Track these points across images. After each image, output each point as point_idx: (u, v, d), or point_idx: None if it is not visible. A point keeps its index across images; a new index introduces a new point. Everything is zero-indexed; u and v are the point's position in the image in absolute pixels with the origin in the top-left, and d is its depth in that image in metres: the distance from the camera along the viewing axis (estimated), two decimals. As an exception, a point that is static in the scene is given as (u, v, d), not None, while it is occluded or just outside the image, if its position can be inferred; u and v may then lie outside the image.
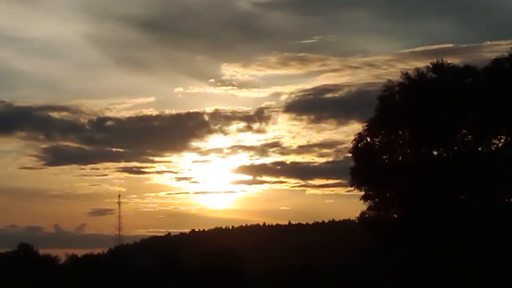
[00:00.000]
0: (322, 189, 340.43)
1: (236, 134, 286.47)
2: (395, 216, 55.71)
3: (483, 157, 52.47)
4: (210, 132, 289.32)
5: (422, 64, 55.22)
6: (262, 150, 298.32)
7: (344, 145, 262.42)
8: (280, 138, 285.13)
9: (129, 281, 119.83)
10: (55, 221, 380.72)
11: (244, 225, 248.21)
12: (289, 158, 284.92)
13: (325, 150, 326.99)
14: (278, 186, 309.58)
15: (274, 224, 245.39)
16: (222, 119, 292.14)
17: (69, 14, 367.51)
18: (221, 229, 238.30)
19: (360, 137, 55.48)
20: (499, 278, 51.69)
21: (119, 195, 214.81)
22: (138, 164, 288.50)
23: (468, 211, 51.81)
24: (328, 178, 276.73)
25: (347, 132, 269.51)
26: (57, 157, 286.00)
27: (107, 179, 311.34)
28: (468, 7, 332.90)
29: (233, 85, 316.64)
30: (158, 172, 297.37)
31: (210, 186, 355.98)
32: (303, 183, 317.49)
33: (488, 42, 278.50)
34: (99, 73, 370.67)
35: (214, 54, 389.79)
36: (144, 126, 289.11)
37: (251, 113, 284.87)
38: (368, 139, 55.36)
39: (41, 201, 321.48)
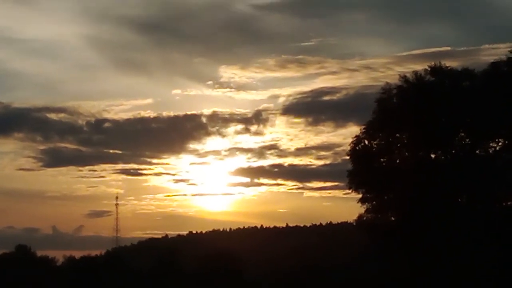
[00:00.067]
0: (319, 191, 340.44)
1: (234, 136, 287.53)
2: (393, 218, 55.74)
3: (481, 160, 52.53)
4: (208, 134, 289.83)
5: (420, 67, 55.31)
6: (260, 152, 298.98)
7: (342, 148, 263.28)
8: (278, 140, 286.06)
9: (126, 283, 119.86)
10: (53, 222, 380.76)
11: (241, 227, 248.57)
12: (287, 161, 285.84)
13: (322, 153, 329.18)
14: (275, 188, 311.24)
15: (271, 226, 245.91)
16: (220, 121, 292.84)
17: (67, 15, 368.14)
18: (218, 231, 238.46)
19: (358, 139, 55.50)
20: (498, 280, 51.73)
21: (117, 197, 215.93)
22: (135, 166, 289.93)
23: (466, 214, 51.87)
24: (325, 181, 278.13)
25: (345, 135, 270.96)
26: (55, 159, 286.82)
27: (104, 180, 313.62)
28: (467, 11, 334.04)
29: (231, 87, 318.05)
30: (156, 174, 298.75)
31: (207, 188, 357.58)
32: (300, 185, 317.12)
33: (486, 46, 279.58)
34: (97, 75, 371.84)
35: (212, 56, 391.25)
36: (142, 128, 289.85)
37: (249, 115, 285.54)
38: (366, 142, 55.38)
39: (38, 202, 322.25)
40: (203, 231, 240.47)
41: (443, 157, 54.07)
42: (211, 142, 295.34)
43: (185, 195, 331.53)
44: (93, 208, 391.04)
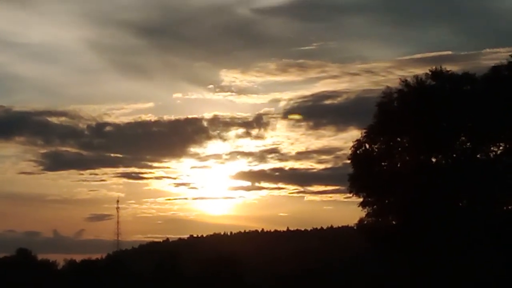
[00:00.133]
0: (320, 195, 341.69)
1: (235, 140, 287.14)
2: (394, 222, 55.77)
3: (482, 164, 52.56)
4: (209, 138, 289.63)
5: (421, 71, 55.35)
6: (261, 156, 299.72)
7: (342, 152, 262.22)
8: (278, 144, 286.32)
9: (127, 287, 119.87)
10: (54, 226, 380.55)
11: (242, 231, 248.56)
12: (288, 164, 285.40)
13: (323, 157, 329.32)
14: (276, 192, 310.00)
15: (272, 230, 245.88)
16: (221, 125, 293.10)
17: (68, 19, 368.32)
18: (219, 235, 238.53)
19: (358, 143, 55.54)
20: (499, 285, 51.74)
21: (118, 201, 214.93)
22: (136, 170, 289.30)
23: (467, 218, 51.89)
24: (326, 185, 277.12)
25: (346, 139, 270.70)
26: (55, 162, 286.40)
27: (105, 184, 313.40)
28: (467, 15, 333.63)
29: (232, 91, 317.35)
30: (157, 178, 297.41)
31: (208, 192, 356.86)
32: (301, 189, 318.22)
33: (487, 50, 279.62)
34: (98, 79, 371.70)
35: (213, 60, 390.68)
36: (142, 131, 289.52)
37: (250, 119, 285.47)
38: (367, 146, 55.42)
39: (39, 206, 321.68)
40: (204, 235, 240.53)
41: (444, 161, 54.10)
42: (212, 146, 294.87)
43: (186, 198, 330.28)
44: (94, 212, 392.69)
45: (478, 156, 53.34)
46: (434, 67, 54.37)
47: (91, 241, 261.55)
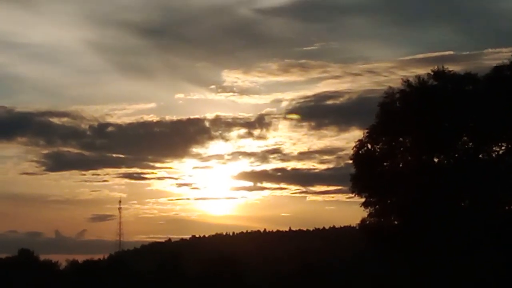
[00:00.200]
0: (322, 195, 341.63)
1: (237, 140, 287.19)
2: (396, 222, 55.76)
3: (484, 164, 52.56)
4: (211, 138, 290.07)
5: (423, 71, 55.43)
6: (263, 156, 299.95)
7: (344, 152, 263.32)
8: (281, 144, 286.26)
9: (129, 287, 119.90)
10: (56, 226, 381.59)
11: (244, 231, 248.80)
12: (290, 165, 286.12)
13: (325, 157, 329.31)
14: (278, 192, 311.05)
15: (274, 230, 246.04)
16: (223, 125, 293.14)
17: (70, 20, 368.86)
18: (221, 235, 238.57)
19: (360, 144, 55.56)
20: (499, 285, 51.74)
21: (120, 201, 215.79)
22: (138, 170, 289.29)
23: (469, 218, 51.88)
24: (328, 185, 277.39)
25: (348, 139, 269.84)
26: (57, 163, 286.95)
27: (107, 185, 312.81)
28: (469, 15, 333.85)
29: (234, 92, 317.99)
30: (159, 178, 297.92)
31: (210, 192, 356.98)
32: (303, 189, 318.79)
33: (489, 50, 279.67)
34: (100, 79, 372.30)
35: (215, 61, 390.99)
36: (144, 132, 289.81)
37: (252, 120, 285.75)
38: (369, 146, 55.44)
39: (41, 206, 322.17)
40: (206, 235, 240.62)
41: (446, 161, 54.10)
42: (214, 146, 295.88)
43: (188, 199, 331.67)
44: (96, 212, 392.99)
45: (480, 156, 53.34)
46: (436, 67, 54.45)
47: (93, 242, 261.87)
